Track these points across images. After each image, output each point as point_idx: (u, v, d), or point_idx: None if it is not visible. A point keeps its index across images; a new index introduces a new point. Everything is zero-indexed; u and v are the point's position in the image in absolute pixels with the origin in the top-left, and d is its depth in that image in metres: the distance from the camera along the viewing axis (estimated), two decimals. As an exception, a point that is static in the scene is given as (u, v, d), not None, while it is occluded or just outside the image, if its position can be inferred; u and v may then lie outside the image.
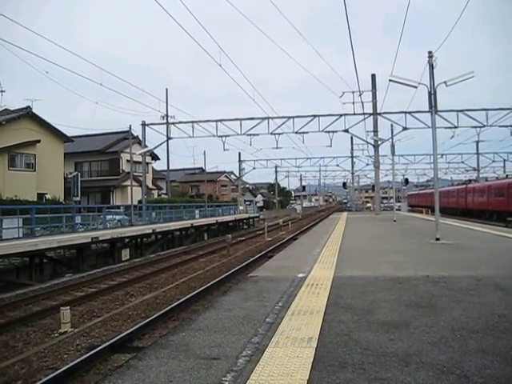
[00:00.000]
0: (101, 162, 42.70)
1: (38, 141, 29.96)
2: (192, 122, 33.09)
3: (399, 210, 50.10)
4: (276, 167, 66.39)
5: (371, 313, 5.33)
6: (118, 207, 33.87)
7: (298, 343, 4.28)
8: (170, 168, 43.20)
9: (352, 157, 55.10)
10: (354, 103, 31.48)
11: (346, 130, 32.52)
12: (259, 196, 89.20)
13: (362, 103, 32.11)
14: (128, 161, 35.41)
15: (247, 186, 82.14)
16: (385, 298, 6.06)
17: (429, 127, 19.25)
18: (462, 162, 57.92)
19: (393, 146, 28.29)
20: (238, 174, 60.47)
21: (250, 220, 44.81)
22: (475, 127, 32.66)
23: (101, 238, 18.19)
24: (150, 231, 22.61)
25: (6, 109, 31.08)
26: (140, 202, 33.69)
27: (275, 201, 79.67)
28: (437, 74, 14.03)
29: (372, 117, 33.07)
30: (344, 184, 71.92)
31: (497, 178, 40.94)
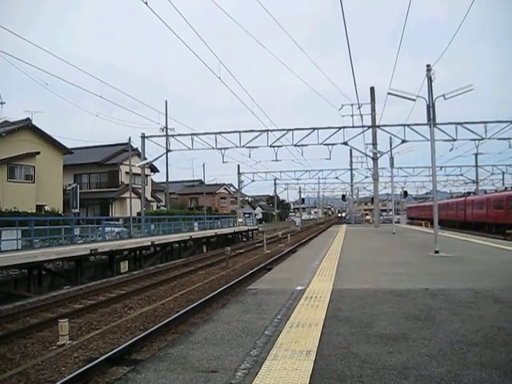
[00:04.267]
0: (100, 174, 42.77)
1: (38, 152, 30.04)
2: (191, 134, 33.23)
3: (398, 222, 50.07)
4: (275, 180, 66.62)
5: (370, 325, 5.32)
6: (117, 219, 33.87)
7: (297, 356, 4.27)
8: (169, 180, 43.26)
9: (351, 169, 55.34)
10: (353, 116, 31.70)
11: (345, 143, 32.61)
12: (258, 208, 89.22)
13: (361, 116, 32.35)
14: (127, 173, 35.45)
15: (246, 198, 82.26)
16: (384, 311, 6.05)
17: (428, 140, 19.35)
18: (461, 175, 58.09)
19: (392, 158, 28.39)
20: (237, 187, 60.56)
21: (249, 232, 44.76)
22: (474, 140, 32.80)
23: (99, 250, 18.15)
24: (149, 243, 22.58)
25: (5, 120, 31.19)
26: (139, 214, 33.67)
27: (274, 213, 79.67)
28: (439, 86, 14.15)
29: (371, 129, 33.22)
30: (343, 196, 72.00)
31: (496, 191, 41.03)
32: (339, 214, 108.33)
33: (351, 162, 53.47)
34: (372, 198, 45.22)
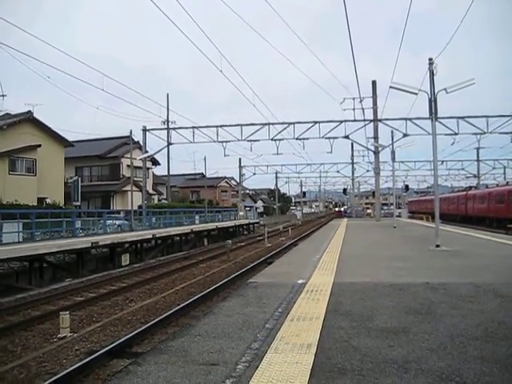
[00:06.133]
0: (101, 167, 42.76)
1: (39, 145, 30.01)
2: (193, 127, 33.14)
3: (399, 216, 50.08)
4: (276, 173, 66.57)
5: (371, 319, 5.32)
6: (119, 212, 33.90)
7: (298, 349, 4.27)
8: (171, 173, 43.29)
9: (352, 163, 55.19)
10: (354, 109, 31.55)
11: (347, 137, 32.52)
12: (259, 202, 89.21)
13: (363, 109, 32.20)
14: (128, 166, 35.45)
15: (247, 191, 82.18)
16: (384, 305, 6.05)
17: (429, 134, 19.28)
18: (463, 169, 57.98)
19: (393, 152, 28.35)
20: (238, 180, 60.56)
21: (250, 226, 44.76)
22: (476, 134, 32.70)
23: (101, 243, 18.17)
24: (150, 236, 22.60)
25: (7, 113, 31.15)
26: (140, 207, 33.69)
27: (275, 207, 79.68)
28: (440, 80, 14.10)
29: (372, 123, 33.13)
30: (344, 190, 71.97)
31: (497, 185, 40.95)
32: (336, 208, 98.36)
33: (352, 155, 53.41)
34: (373, 192, 45.15)
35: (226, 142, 33.37)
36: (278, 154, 35.88)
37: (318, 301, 6.35)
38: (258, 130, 31.98)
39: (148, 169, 40.12)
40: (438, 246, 13.42)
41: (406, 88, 14.35)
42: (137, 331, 7.82)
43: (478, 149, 51.25)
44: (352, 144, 49.25)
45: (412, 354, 4.08)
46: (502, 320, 5.14)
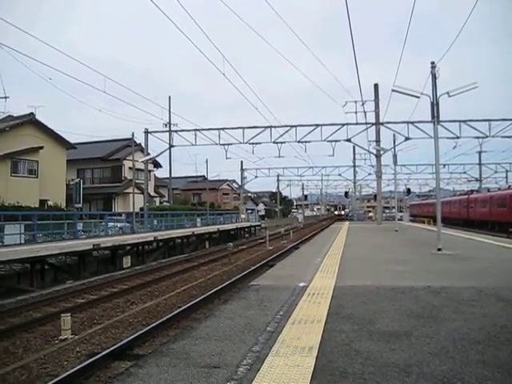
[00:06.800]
0: (103, 169, 42.84)
1: (41, 147, 30.05)
2: (195, 130, 33.19)
3: (401, 219, 49.96)
4: (278, 176, 66.64)
5: (372, 322, 5.31)
6: (120, 214, 33.91)
7: (299, 352, 4.27)
8: (172, 176, 43.23)
9: (354, 166, 55.24)
10: (356, 113, 31.59)
11: (349, 140, 32.54)
12: (261, 205, 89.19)
13: (365, 113, 32.23)
14: (130, 168, 35.49)
15: (249, 194, 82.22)
16: (386, 308, 6.04)
17: (431, 137, 19.31)
18: (465, 173, 57.89)
19: (395, 155, 28.32)
20: (240, 183, 60.66)
21: (252, 228, 44.77)
22: (478, 138, 32.68)
23: (102, 245, 18.19)
24: (152, 239, 22.61)
25: (9, 115, 31.19)
26: (142, 209, 33.70)
27: (277, 209, 79.64)
28: (443, 84, 14.11)
29: (374, 126, 33.12)
30: (346, 193, 71.91)
31: (499, 189, 40.88)
32: (336, 212, 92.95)
33: (354, 158, 53.48)
34: (375, 195, 45.10)
35: (228, 144, 33.42)
36: (279, 156, 36.05)
37: (319, 304, 6.34)
38: (259, 133, 32.02)
39: (150, 171, 40.16)
40: (439, 249, 13.38)
41: (408, 91, 14.35)
42: (138, 333, 7.82)
43: (480, 152, 51.35)
44: (354, 147, 49.31)
45: (414, 357, 4.07)
46: (505, 324, 5.13)
